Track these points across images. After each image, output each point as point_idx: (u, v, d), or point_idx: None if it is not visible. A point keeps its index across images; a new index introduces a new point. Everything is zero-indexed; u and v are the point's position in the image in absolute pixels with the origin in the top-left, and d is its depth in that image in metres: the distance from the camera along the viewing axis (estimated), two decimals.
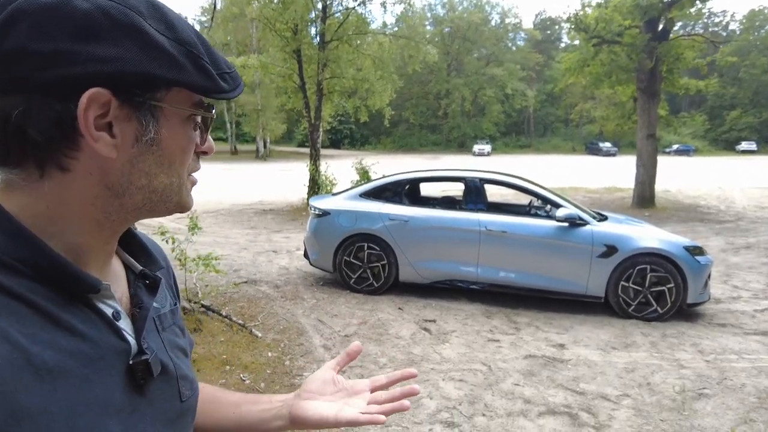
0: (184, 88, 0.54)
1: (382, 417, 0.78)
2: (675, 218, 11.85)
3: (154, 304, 0.64)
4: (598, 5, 13.02)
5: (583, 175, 23.99)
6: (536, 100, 54.97)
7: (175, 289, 0.78)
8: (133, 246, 0.68)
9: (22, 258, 0.50)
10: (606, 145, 45.31)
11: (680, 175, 24.26)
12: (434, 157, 41.46)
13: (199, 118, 0.59)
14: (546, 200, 5.50)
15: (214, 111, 0.61)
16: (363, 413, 0.78)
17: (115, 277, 0.62)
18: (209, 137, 0.63)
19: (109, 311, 0.56)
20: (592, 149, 47.19)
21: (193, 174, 0.62)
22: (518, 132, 59.19)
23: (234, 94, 0.58)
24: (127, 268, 0.66)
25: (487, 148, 46.44)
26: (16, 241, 0.50)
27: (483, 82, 52.99)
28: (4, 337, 0.45)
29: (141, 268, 0.66)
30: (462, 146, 53.61)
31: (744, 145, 50.21)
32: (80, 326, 0.51)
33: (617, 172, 24.69)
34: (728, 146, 52.59)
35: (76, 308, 0.52)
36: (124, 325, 0.57)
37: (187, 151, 0.58)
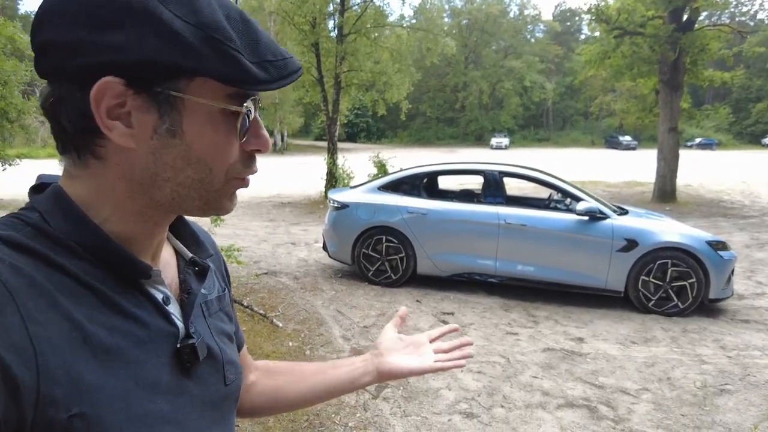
0: (207, 78, 0.50)
1: (463, 362, 0.91)
2: (697, 213, 11.65)
3: (202, 290, 0.66)
4: None
5: (603, 169, 23.65)
6: (555, 93, 54.25)
7: (226, 276, 0.79)
8: (184, 233, 0.69)
9: (82, 242, 0.52)
10: (626, 138, 44.55)
11: (703, 169, 23.76)
12: (451, 150, 41.26)
13: (245, 112, 0.54)
14: (566, 193, 5.46)
15: (252, 106, 0.56)
16: (444, 361, 0.89)
17: (166, 264, 0.64)
18: (262, 132, 0.58)
19: (159, 296, 0.58)
20: (612, 143, 46.44)
21: (242, 175, 0.58)
22: (537, 125, 58.52)
23: (276, 86, 0.53)
24: (178, 254, 0.68)
25: (505, 141, 46.02)
26: (78, 225, 0.53)
27: (501, 74, 52.46)
28: (65, 315, 0.47)
29: (191, 255, 0.68)
30: (479, 139, 53.21)
31: None
32: (133, 309, 0.53)
33: (637, 166, 24.31)
34: (754, 140, 51.27)
35: (130, 292, 0.54)
36: (173, 309, 0.59)
37: (221, 148, 0.54)
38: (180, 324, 0.59)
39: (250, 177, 0.60)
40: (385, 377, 0.89)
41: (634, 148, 42.85)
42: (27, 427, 0.43)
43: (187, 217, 0.69)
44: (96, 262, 0.52)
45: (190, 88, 0.51)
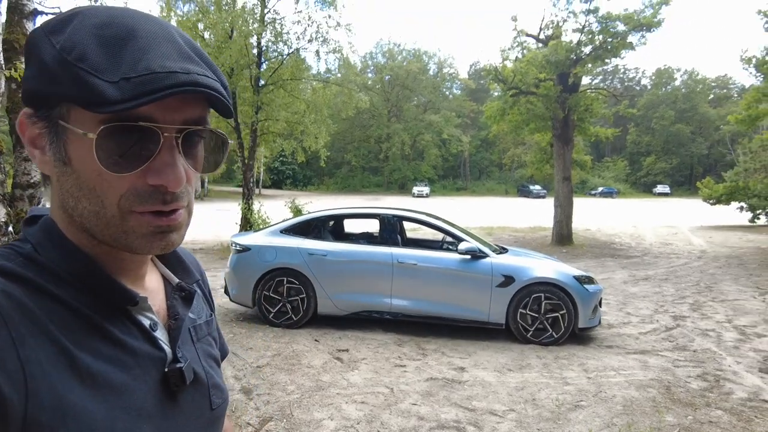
0: (69, 103, 0.51)
1: None
2: (589, 254, 12.80)
3: (190, 315, 0.67)
4: (516, 59, 14.28)
5: (513, 216, 25.29)
6: (471, 146, 57.87)
7: (210, 300, 0.81)
8: (170, 259, 0.71)
9: (72, 270, 0.54)
10: (536, 187, 48.00)
11: (601, 215, 26.09)
12: (375, 198, 42.26)
13: (145, 141, 0.51)
14: (450, 235, 5.95)
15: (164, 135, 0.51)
16: None
17: (153, 290, 0.65)
18: (169, 168, 0.52)
19: (146, 322, 0.59)
20: (524, 191, 49.88)
21: (139, 209, 0.53)
22: (455, 175, 61.67)
23: (133, 104, 0.48)
24: (166, 280, 0.69)
25: (426, 189, 48.06)
26: (66, 254, 0.55)
27: (421, 127, 55.28)
28: (54, 340, 0.49)
29: (177, 280, 0.69)
30: (402, 188, 55.11)
31: (659, 189, 54.82)
32: (120, 335, 0.55)
33: (544, 213, 26.20)
34: (647, 189, 57.23)
35: (118, 319, 0.56)
36: (161, 335, 0.61)
37: (105, 177, 0.51)
38: (167, 349, 0.60)
39: (182, 217, 0.56)
40: None
41: (543, 197, 46.10)
42: None
43: None
44: (85, 290, 0.54)
45: (71, 115, 0.51)
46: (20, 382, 0.45)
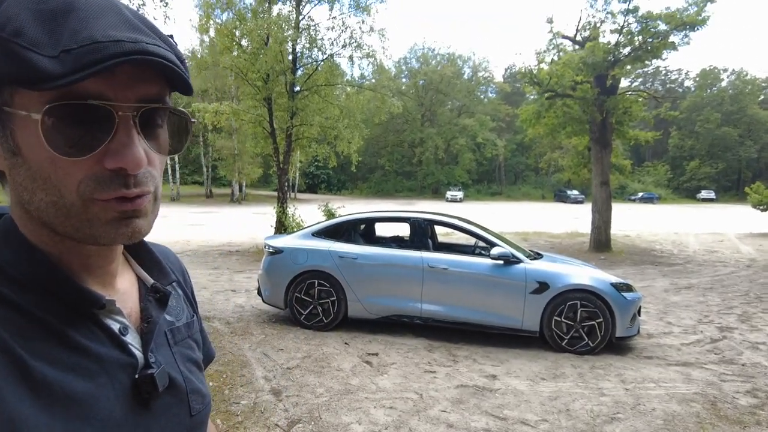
0: (9, 86, 0.47)
1: None
2: (628, 261, 12.38)
3: (167, 317, 0.64)
4: (552, 61, 14.00)
5: (549, 221, 24.76)
6: (506, 150, 57.08)
7: (193, 301, 0.77)
8: (145, 258, 0.67)
9: (30, 273, 0.51)
10: (574, 192, 46.91)
11: (642, 221, 25.25)
12: (408, 202, 42.20)
13: (92, 120, 0.47)
14: (482, 239, 5.85)
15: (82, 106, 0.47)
16: None
17: (125, 292, 0.62)
18: (126, 149, 0.48)
19: (115, 326, 0.56)
20: (561, 196, 48.81)
21: (101, 197, 0.49)
22: (490, 180, 60.95)
23: (76, 77, 0.44)
24: (141, 281, 0.65)
25: (460, 194, 47.67)
26: (24, 256, 0.52)
27: (455, 131, 54.93)
28: (5, 350, 0.45)
29: (153, 282, 0.65)
30: (436, 192, 54.87)
31: (704, 194, 52.74)
32: (84, 341, 0.51)
33: (582, 218, 25.55)
34: (690, 194, 55.08)
35: (82, 324, 0.52)
36: (132, 339, 0.57)
37: (59, 163, 0.47)
38: (139, 354, 0.57)
39: (152, 206, 0.54)
40: None
41: (581, 202, 45.00)
42: None
43: (149, 242, 0.67)
44: (45, 294, 0.51)
45: (15, 99, 0.47)
46: None
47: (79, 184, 0.48)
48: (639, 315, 5.54)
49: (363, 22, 12.94)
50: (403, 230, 6.68)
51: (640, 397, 4.18)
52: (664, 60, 12.99)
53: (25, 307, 0.49)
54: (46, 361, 0.47)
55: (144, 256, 0.67)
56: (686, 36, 12.67)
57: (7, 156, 0.49)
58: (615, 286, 5.36)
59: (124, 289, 0.61)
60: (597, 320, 5.23)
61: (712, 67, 59.38)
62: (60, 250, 0.53)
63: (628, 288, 5.47)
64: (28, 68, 0.44)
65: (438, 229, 6.81)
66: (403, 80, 58.16)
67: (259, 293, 6.23)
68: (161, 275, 0.66)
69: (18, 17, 0.45)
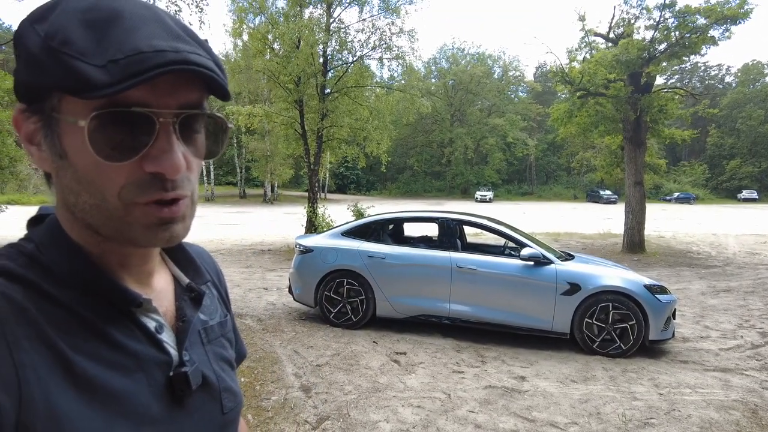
0: (58, 93, 0.49)
1: None
2: (663, 263, 12.04)
3: (201, 317, 0.66)
4: (584, 60, 13.74)
5: (582, 222, 24.28)
6: (537, 149, 56.17)
7: (226, 300, 0.79)
8: (181, 258, 0.69)
9: (73, 272, 0.53)
10: (606, 192, 45.85)
11: (678, 222, 24.48)
12: (438, 202, 42.06)
13: (137, 127, 0.49)
14: (512, 240, 5.81)
15: (165, 120, 0.50)
16: None
17: (161, 291, 0.64)
18: (166, 154, 0.51)
19: (152, 324, 0.58)
20: (593, 197, 47.76)
21: (141, 200, 0.51)
22: (520, 179, 60.11)
23: (123, 86, 0.46)
24: (177, 280, 0.67)
25: (489, 194, 47.20)
26: (68, 256, 0.54)
27: (485, 131, 54.39)
28: (50, 344, 0.48)
29: (188, 281, 0.67)
30: (465, 192, 54.47)
31: (745, 194, 50.72)
32: (122, 339, 0.54)
33: (615, 218, 24.96)
34: (730, 195, 53.04)
35: (120, 322, 0.54)
36: (167, 337, 0.59)
37: (102, 168, 0.49)
38: (174, 352, 0.59)
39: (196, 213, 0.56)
40: None
41: (614, 202, 43.94)
42: None
43: (185, 242, 0.68)
44: (87, 292, 0.53)
45: (62, 105, 0.49)
46: (14, 388, 0.44)
47: (121, 189, 0.50)
48: (674, 318, 5.41)
49: (392, 23, 13.02)
50: (432, 230, 6.69)
51: (675, 403, 4.09)
52: (702, 55, 12.59)
53: (68, 305, 0.51)
54: (87, 356, 0.50)
55: (179, 255, 0.69)
56: (727, 30, 12.23)
57: (55, 159, 0.52)
58: (648, 288, 5.24)
59: (160, 288, 0.63)
60: (629, 323, 5.13)
61: (755, 62, 56.99)
62: (101, 250, 0.55)
63: (662, 290, 5.35)
64: (76, 77, 0.46)
65: (467, 229, 6.80)
66: (433, 80, 57.94)
67: (290, 291, 6.35)
68: (196, 275, 0.68)
69: (67, 27, 0.47)
